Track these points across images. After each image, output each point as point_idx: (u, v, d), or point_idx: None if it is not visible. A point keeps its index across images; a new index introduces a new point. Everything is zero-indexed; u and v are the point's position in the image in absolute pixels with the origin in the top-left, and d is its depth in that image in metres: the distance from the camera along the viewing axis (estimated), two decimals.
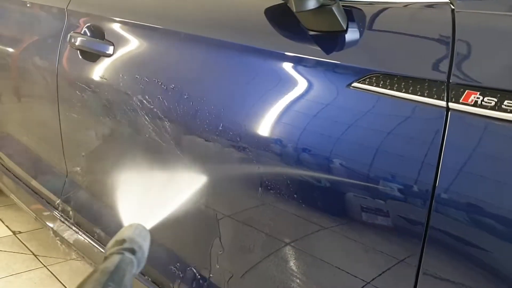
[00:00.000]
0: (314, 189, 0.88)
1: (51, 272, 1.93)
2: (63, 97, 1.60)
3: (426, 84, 0.75)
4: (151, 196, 1.30)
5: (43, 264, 1.98)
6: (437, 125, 0.72)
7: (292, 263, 0.96)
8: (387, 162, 0.79)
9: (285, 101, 0.94)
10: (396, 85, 0.78)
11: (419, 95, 0.75)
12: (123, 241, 0.84)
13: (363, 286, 0.84)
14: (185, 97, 1.14)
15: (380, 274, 0.82)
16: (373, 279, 0.83)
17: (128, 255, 0.80)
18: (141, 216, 1.21)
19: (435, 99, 0.73)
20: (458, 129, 0.71)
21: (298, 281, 0.95)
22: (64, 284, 1.86)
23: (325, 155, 0.86)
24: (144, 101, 1.25)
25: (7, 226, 2.30)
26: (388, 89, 0.79)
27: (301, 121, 0.91)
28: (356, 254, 0.85)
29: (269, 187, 0.95)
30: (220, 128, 1.04)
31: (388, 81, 0.79)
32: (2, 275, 1.89)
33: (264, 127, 0.95)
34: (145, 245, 0.87)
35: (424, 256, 0.74)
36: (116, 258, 0.77)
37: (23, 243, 2.15)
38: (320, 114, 0.89)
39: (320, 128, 0.89)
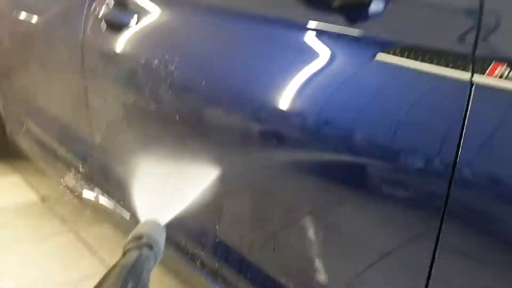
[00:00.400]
0: (335, 161, 0.89)
1: (78, 236, 2.00)
2: (88, 67, 1.62)
3: (451, 56, 0.74)
4: (174, 167, 1.32)
5: (71, 229, 2.05)
6: (461, 99, 0.71)
7: (310, 234, 0.97)
8: (409, 135, 0.79)
9: (308, 73, 0.94)
10: (420, 58, 0.77)
11: (443, 68, 0.74)
12: (140, 237, 0.87)
13: (381, 257, 0.86)
14: (208, 68, 1.14)
15: (398, 247, 0.83)
16: (391, 251, 0.84)
17: (145, 251, 0.83)
18: (162, 186, 1.23)
19: (460, 72, 0.72)
20: (482, 103, 0.70)
21: (316, 251, 0.97)
22: (91, 248, 1.92)
23: (348, 127, 0.86)
24: (168, 72, 1.26)
25: (36, 191, 2.37)
26: (412, 61, 0.78)
27: (324, 94, 0.91)
28: (374, 226, 0.86)
29: (290, 159, 0.96)
30: (241, 100, 1.04)
31: (413, 53, 0.78)
32: (32, 239, 1.96)
33: (287, 99, 0.96)
34: (161, 240, 0.91)
35: (443, 230, 0.74)
36: (134, 254, 0.81)
37: (51, 208, 2.22)
38: (343, 86, 0.89)
39: (343, 101, 0.89)
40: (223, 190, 1.16)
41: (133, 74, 1.39)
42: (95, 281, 1.69)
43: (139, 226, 0.95)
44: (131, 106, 1.47)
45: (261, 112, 1.00)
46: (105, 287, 0.67)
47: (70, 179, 1.90)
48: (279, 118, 0.97)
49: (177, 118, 1.23)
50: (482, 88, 0.70)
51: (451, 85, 0.73)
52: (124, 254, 0.82)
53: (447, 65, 0.73)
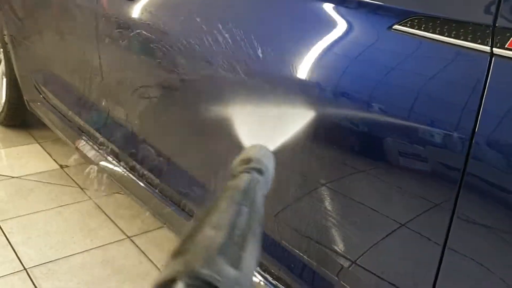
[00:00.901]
0: (352, 132, 0.88)
1: (96, 204, 2.04)
2: (102, 36, 1.62)
3: (470, 27, 0.72)
4: (189, 134, 1.33)
5: (89, 197, 2.09)
6: (480, 71, 0.70)
7: (326, 204, 0.98)
8: (426, 106, 0.78)
9: (324, 43, 0.93)
10: (439, 28, 0.75)
11: (462, 40, 0.72)
12: (249, 160, 0.79)
13: (397, 228, 0.86)
14: (221, 37, 1.13)
15: (414, 217, 0.83)
16: (407, 221, 0.84)
17: (256, 175, 0.76)
18: (181, 152, 1.23)
19: (479, 43, 0.70)
20: (502, 75, 0.68)
21: (332, 220, 0.97)
22: (109, 216, 1.96)
23: (364, 98, 0.85)
24: (183, 40, 1.25)
25: (54, 160, 2.41)
26: (430, 32, 0.77)
27: (341, 64, 0.90)
28: (391, 197, 0.86)
29: (308, 129, 0.96)
30: (256, 68, 1.03)
31: (431, 24, 0.76)
32: (52, 206, 2.01)
33: (303, 69, 0.95)
34: (271, 166, 0.82)
35: (459, 201, 0.74)
36: (245, 177, 0.74)
37: (70, 177, 2.26)
38: (360, 56, 0.88)
39: (359, 71, 0.87)
40: None
41: (147, 43, 1.39)
42: (115, 248, 1.74)
43: (246, 149, 0.86)
44: (145, 74, 1.47)
45: (275, 82, 0.99)
46: (219, 211, 0.60)
47: (86, 148, 1.92)
48: (293, 89, 0.96)
49: (192, 87, 1.23)
50: (502, 60, 0.68)
51: (470, 57, 0.72)
52: (233, 176, 0.76)
53: (466, 37, 0.72)
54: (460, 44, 0.72)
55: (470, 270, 0.77)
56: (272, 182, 0.80)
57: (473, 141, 0.71)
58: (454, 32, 0.74)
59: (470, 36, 0.71)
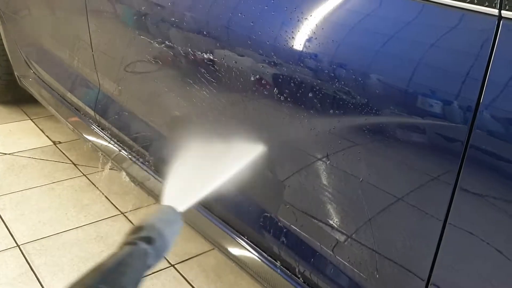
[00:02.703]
0: (348, 103, 0.85)
1: (90, 180, 2.01)
2: (92, 9, 1.57)
3: None
4: (181, 109, 1.29)
5: (82, 173, 2.06)
6: (486, 36, 0.66)
7: (324, 178, 0.95)
8: (428, 75, 0.74)
9: (319, 8, 0.89)
10: None
11: (468, 2, 0.68)
12: (140, 228, 0.75)
13: (395, 201, 0.84)
14: (218, 10, 1.09)
15: (415, 192, 0.80)
16: (407, 194, 0.81)
17: (142, 245, 0.71)
18: (170, 125, 1.20)
19: (486, 6, 0.66)
20: (510, 40, 0.65)
21: (329, 194, 0.95)
22: (102, 192, 1.93)
23: (363, 69, 0.82)
24: (177, 13, 1.21)
25: (47, 137, 2.37)
26: None
27: (339, 32, 0.86)
28: (391, 171, 0.84)
29: (303, 102, 0.93)
30: (253, 41, 0.99)
31: None
32: (46, 182, 1.98)
33: (299, 40, 0.91)
34: (169, 231, 0.77)
35: (462, 173, 0.71)
36: (124, 251, 0.69)
37: (63, 153, 2.22)
38: (359, 24, 0.84)
39: (359, 40, 0.84)
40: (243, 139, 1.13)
41: (139, 15, 1.34)
42: (109, 224, 1.72)
43: (148, 214, 0.82)
44: (137, 48, 1.43)
45: (275, 54, 0.96)
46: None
47: (79, 124, 1.89)
48: (291, 61, 0.92)
49: (184, 62, 1.19)
50: (511, 23, 0.64)
51: (475, 21, 0.68)
52: (119, 248, 0.72)
53: (471, 0, 0.68)
54: (465, 7, 0.68)
55: (472, 246, 0.74)
56: (172, 245, 0.76)
57: (478, 111, 0.68)
58: None
59: None
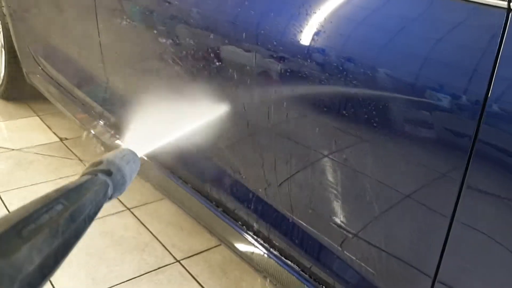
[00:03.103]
0: (356, 98, 0.85)
1: None
2: (100, 6, 1.57)
3: None
4: (180, 105, 1.29)
5: None
6: (495, 29, 0.65)
7: (330, 174, 0.95)
8: (435, 70, 0.74)
9: (326, 4, 0.88)
10: None
11: None
12: (99, 162, 0.74)
13: (402, 199, 0.83)
14: (225, 6, 1.09)
15: (422, 187, 0.80)
16: (414, 192, 0.81)
17: (101, 176, 0.70)
18: (172, 124, 1.20)
19: None
20: None
21: (336, 191, 0.95)
22: None
23: (370, 63, 0.81)
24: (185, 10, 1.21)
25: (54, 133, 2.38)
26: None
27: (344, 27, 0.86)
28: (398, 167, 0.83)
29: (310, 98, 0.92)
30: (261, 38, 0.99)
31: None
32: (52, 178, 1.99)
33: (305, 34, 0.91)
34: (127, 168, 0.77)
35: (470, 170, 0.71)
36: (84, 178, 0.68)
37: (69, 149, 2.23)
38: (366, 19, 0.84)
39: (365, 34, 0.83)
40: (245, 135, 1.13)
41: (147, 13, 1.34)
42: (115, 219, 1.72)
43: (107, 153, 0.82)
44: (145, 45, 1.43)
45: (280, 47, 0.95)
46: (24, 206, 0.53)
47: (86, 121, 1.89)
48: (296, 55, 0.92)
49: (193, 57, 1.19)
50: None
51: (484, 14, 0.67)
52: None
53: None
54: (474, 0, 0.68)
55: (479, 243, 0.74)
56: (129, 182, 0.76)
57: (486, 106, 0.67)
58: None
59: None
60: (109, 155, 0.77)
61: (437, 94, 0.73)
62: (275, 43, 0.96)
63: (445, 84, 0.72)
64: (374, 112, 0.82)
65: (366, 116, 0.84)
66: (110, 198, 0.72)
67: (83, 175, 0.71)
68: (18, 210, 0.51)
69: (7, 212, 1.68)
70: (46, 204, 0.54)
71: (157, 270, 1.50)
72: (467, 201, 0.73)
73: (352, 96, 0.84)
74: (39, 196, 0.56)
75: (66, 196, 0.58)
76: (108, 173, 0.72)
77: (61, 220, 0.53)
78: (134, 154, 0.83)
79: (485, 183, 0.71)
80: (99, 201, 0.66)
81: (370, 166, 0.87)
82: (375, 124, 0.82)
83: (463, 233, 0.75)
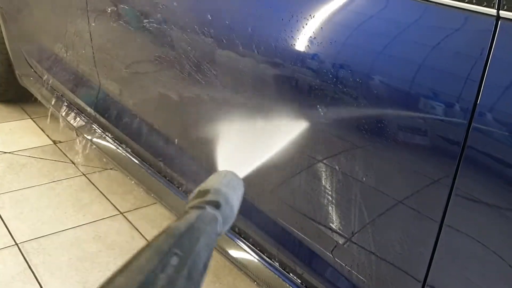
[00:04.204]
0: (347, 104, 0.85)
1: (89, 180, 2.01)
2: (92, 9, 1.57)
3: None
4: (179, 106, 1.29)
5: (82, 173, 2.06)
6: (484, 36, 0.66)
7: (322, 180, 0.95)
8: (426, 75, 0.74)
9: (320, 10, 0.88)
10: None
11: (466, 2, 0.68)
12: (206, 192, 0.68)
13: (394, 205, 0.83)
14: (219, 7, 1.09)
15: (412, 194, 0.80)
16: (404, 198, 0.81)
17: (210, 210, 0.65)
18: (168, 126, 1.20)
19: (484, 6, 0.66)
20: (508, 41, 0.64)
21: (327, 196, 0.95)
22: (102, 191, 1.93)
23: (361, 69, 0.81)
24: (179, 12, 1.20)
25: (47, 136, 2.37)
26: None
27: (339, 33, 0.86)
28: (388, 173, 0.83)
29: (304, 103, 0.92)
30: (257, 42, 0.99)
31: None
32: (45, 181, 1.98)
33: (300, 41, 0.91)
34: (234, 197, 0.71)
35: (458, 177, 0.71)
36: (193, 215, 0.62)
37: (63, 152, 2.22)
38: (360, 25, 0.84)
39: (358, 41, 0.83)
40: (235, 136, 1.13)
41: (140, 14, 1.34)
42: (108, 223, 1.72)
43: (209, 177, 0.75)
44: (138, 47, 1.43)
45: (275, 53, 0.95)
46: (137, 265, 0.47)
47: (79, 123, 1.89)
48: (291, 61, 0.92)
49: (185, 61, 1.19)
50: (510, 24, 0.64)
51: (473, 21, 0.68)
52: (184, 213, 0.64)
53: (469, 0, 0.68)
54: (463, 7, 0.68)
55: (468, 248, 0.74)
56: (237, 212, 0.70)
57: (475, 113, 0.68)
58: None
59: None
60: (214, 182, 0.71)
61: (427, 100, 0.73)
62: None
63: (435, 90, 0.72)
64: (364, 118, 0.82)
65: (357, 121, 0.84)
66: (219, 235, 0.64)
67: (190, 207, 0.65)
68: (130, 270, 0.46)
69: None
70: (161, 260, 0.48)
71: None
72: (456, 206, 0.73)
73: (344, 102, 0.84)
74: (148, 245, 0.50)
75: (179, 244, 0.52)
76: (217, 205, 0.66)
77: (179, 280, 0.47)
78: (238, 178, 0.77)
79: (474, 188, 0.71)
80: (211, 243, 0.59)
81: (361, 172, 0.87)
82: (365, 130, 0.82)
83: (452, 238, 0.75)
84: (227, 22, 1.06)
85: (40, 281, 1.45)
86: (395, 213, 0.82)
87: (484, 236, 0.71)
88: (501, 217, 0.69)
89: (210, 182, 0.72)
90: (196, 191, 0.70)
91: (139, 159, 1.55)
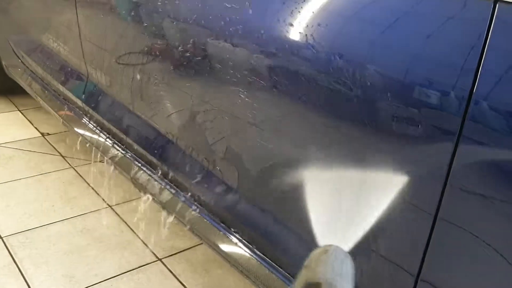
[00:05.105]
0: (341, 94, 0.82)
1: (78, 172, 1.98)
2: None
3: None
4: (169, 99, 1.27)
5: (70, 165, 2.03)
6: (481, 22, 0.63)
7: (315, 171, 0.93)
8: (420, 62, 0.71)
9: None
10: None
11: None
12: (317, 286, 0.58)
13: (386, 195, 0.81)
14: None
15: (406, 185, 0.78)
16: (397, 189, 0.79)
17: None
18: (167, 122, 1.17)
19: None
20: (506, 26, 0.62)
21: (316, 186, 0.92)
22: (90, 184, 1.90)
23: (353, 58, 0.79)
24: (169, 3, 1.17)
25: (36, 128, 2.33)
26: None
27: (329, 20, 0.83)
28: (380, 164, 0.81)
29: (299, 93, 0.90)
30: (252, 32, 0.97)
31: None
32: (33, 174, 1.94)
33: (293, 30, 0.88)
34: (348, 285, 0.61)
35: (453, 167, 0.69)
36: None
37: (51, 145, 2.19)
38: (351, 13, 0.81)
39: (350, 29, 0.81)
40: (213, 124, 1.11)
41: (131, 4, 1.31)
42: (96, 217, 1.69)
43: (313, 260, 0.62)
44: (126, 38, 1.39)
45: (273, 45, 0.93)
46: None
47: (67, 115, 1.85)
48: (285, 50, 0.89)
49: (175, 52, 1.16)
50: (508, 7, 0.62)
51: (469, 5, 0.65)
52: None
53: None
54: None
55: (462, 241, 0.72)
56: None
57: (471, 101, 0.65)
58: None
59: None
60: (327, 272, 0.60)
61: (422, 89, 0.71)
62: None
63: (430, 79, 0.70)
64: (360, 109, 0.80)
65: (350, 113, 0.81)
66: None
67: None
68: None
69: None
70: None
71: (138, 269, 1.47)
72: (450, 199, 0.71)
73: (338, 92, 0.82)
74: None
75: None
76: None
77: None
78: (347, 257, 0.66)
79: (469, 180, 0.69)
80: None
81: (353, 162, 0.85)
82: (358, 120, 0.80)
83: (446, 231, 0.73)
84: (219, 14, 1.03)
85: (24, 275, 1.42)
86: (388, 204, 0.80)
87: (480, 229, 0.69)
88: (497, 209, 0.67)
89: (319, 270, 0.61)
90: (302, 282, 0.58)
91: (128, 151, 1.52)
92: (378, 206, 0.82)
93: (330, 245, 0.68)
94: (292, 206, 0.98)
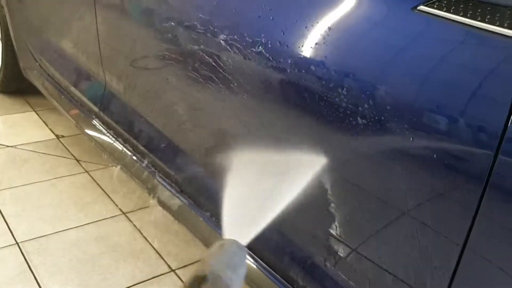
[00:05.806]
0: (368, 119, 0.81)
1: (92, 177, 1.98)
2: (100, 3, 1.53)
3: (508, 12, 0.64)
4: (189, 105, 1.26)
5: (84, 169, 2.03)
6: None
7: (334, 190, 0.92)
8: (452, 97, 0.71)
9: (343, 23, 0.85)
10: (470, 12, 0.68)
11: (496, 25, 0.65)
12: (202, 278, 0.61)
13: (412, 223, 0.80)
14: (226, 5, 1.06)
15: (432, 213, 0.77)
16: (424, 215, 0.78)
17: None
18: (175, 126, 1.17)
19: (510, 29, 0.62)
20: None
21: (344, 211, 0.92)
22: (104, 189, 1.90)
23: (383, 86, 0.78)
24: (187, 10, 1.17)
25: (50, 130, 2.34)
26: (459, 15, 0.69)
27: (358, 44, 0.83)
28: (409, 192, 0.80)
29: (318, 112, 0.89)
30: (264, 42, 0.96)
31: (461, 6, 0.69)
32: (47, 178, 1.95)
33: (318, 49, 0.87)
34: (237, 277, 0.65)
35: (484, 201, 0.68)
36: None
37: (66, 148, 2.19)
38: (380, 38, 0.81)
39: (377, 54, 0.80)
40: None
41: (147, 11, 1.31)
42: (110, 224, 1.69)
43: (208, 254, 0.67)
44: (145, 44, 1.39)
45: (287, 60, 0.92)
46: None
47: (83, 119, 1.86)
48: (303, 69, 0.89)
49: (193, 57, 1.16)
50: None
51: (503, 44, 0.64)
52: None
53: (502, 22, 0.64)
54: (494, 30, 0.65)
55: (489, 273, 0.71)
56: None
57: (504, 137, 0.64)
58: (488, 17, 0.66)
59: (507, 21, 0.64)
60: (214, 264, 0.64)
61: (452, 121, 0.70)
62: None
63: (463, 111, 0.69)
64: (386, 132, 0.79)
65: (379, 135, 0.81)
66: None
67: None
68: None
69: None
70: None
71: (151, 280, 1.47)
72: (480, 231, 0.70)
73: (364, 117, 0.81)
74: None
75: None
76: None
77: None
78: (241, 251, 0.69)
79: (500, 213, 0.68)
80: None
81: (383, 188, 0.84)
82: (386, 143, 0.80)
83: (474, 262, 0.72)
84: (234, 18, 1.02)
85: (40, 283, 1.42)
86: (417, 232, 0.80)
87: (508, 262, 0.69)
88: None
89: (209, 263, 0.65)
90: (193, 277, 0.62)
91: (141, 157, 1.52)
92: (404, 232, 0.82)
93: (227, 239, 0.72)
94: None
